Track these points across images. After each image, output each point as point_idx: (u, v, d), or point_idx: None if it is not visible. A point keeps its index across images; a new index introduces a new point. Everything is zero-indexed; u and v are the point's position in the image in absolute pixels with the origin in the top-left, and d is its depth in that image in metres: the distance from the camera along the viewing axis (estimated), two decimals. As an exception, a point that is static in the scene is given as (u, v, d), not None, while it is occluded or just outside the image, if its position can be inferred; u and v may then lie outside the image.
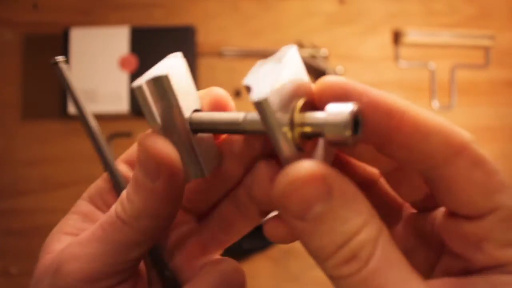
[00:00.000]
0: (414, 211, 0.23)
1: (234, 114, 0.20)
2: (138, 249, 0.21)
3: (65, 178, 0.78)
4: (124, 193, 0.21)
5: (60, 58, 0.24)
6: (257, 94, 0.17)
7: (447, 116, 0.81)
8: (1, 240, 0.77)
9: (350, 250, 0.16)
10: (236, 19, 0.82)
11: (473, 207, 0.17)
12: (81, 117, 0.24)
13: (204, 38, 0.81)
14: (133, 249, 0.21)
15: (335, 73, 0.80)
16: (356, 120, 0.17)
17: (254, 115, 0.20)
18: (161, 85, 0.20)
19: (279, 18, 0.83)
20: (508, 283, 0.16)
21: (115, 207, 0.21)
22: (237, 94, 0.80)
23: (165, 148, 0.19)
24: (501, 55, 0.82)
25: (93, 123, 0.25)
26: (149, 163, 0.19)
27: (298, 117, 0.18)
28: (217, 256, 0.25)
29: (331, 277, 0.17)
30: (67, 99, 0.76)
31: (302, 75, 0.20)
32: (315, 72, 0.81)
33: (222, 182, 0.23)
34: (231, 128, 0.20)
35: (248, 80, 0.18)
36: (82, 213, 0.24)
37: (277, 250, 0.76)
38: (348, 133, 0.16)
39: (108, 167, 0.24)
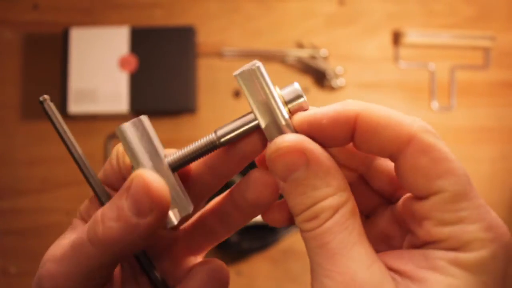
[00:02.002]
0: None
1: (203, 139, 0.22)
2: (107, 269, 0.22)
3: (65, 178, 0.78)
4: (98, 215, 0.21)
5: (46, 97, 0.24)
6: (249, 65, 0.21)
7: (446, 116, 0.81)
8: (1, 240, 0.77)
9: (314, 212, 0.19)
10: (236, 20, 0.82)
11: (419, 189, 0.19)
12: (67, 146, 0.25)
13: (204, 38, 0.81)
14: (103, 269, 0.22)
15: (335, 74, 0.80)
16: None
17: (221, 128, 0.22)
18: (141, 124, 0.22)
19: (279, 19, 0.83)
20: (438, 257, 0.19)
21: (88, 228, 0.21)
22: (236, 94, 0.80)
23: (163, 189, 0.19)
24: (501, 56, 0.82)
25: (79, 150, 0.25)
26: (143, 201, 0.19)
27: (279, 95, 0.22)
28: (202, 258, 0.27)
29: (299, 228, 0.21)
30: (67, 99, 0.77)
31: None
32: (315, 72, 0.81)
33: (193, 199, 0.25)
34: (210, 147, 0.22)
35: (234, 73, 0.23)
36: (75, 230, 0.25)
37: (276, 250, 0.76)
38: (304, 96, 0.21)
39: (95, 191, 0.24)
